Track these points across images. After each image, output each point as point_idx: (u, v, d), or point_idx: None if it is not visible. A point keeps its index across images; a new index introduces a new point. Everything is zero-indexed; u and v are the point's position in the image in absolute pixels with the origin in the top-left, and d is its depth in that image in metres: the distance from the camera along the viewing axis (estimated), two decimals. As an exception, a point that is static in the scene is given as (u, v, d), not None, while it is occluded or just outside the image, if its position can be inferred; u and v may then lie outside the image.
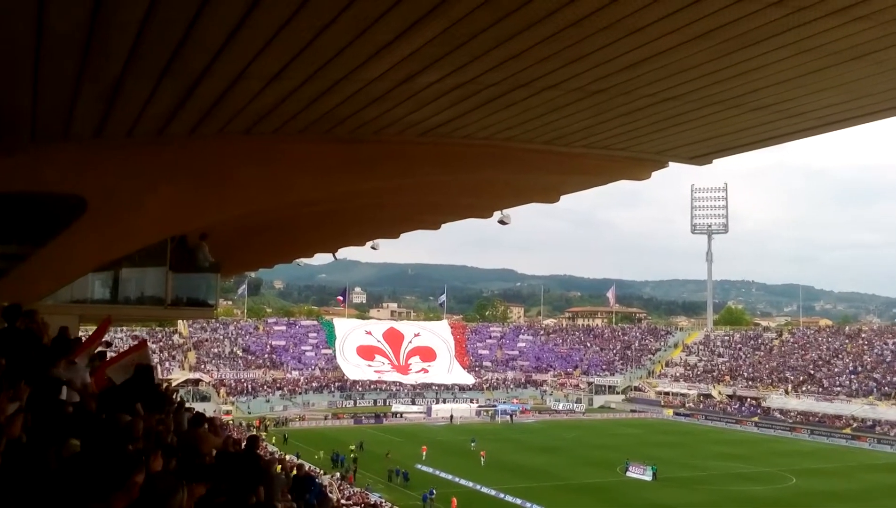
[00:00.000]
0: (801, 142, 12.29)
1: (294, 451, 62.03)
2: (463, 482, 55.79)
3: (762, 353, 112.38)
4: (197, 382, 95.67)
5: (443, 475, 58.01)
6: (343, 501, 42.83)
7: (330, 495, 41.01)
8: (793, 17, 6.81)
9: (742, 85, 8.74)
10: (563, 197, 16.60)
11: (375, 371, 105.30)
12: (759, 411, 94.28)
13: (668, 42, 7.36)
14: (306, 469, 21.60)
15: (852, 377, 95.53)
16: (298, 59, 7.82)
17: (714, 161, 12.98)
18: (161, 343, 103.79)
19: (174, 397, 18.43)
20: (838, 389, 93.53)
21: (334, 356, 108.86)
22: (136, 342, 11.76)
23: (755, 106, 9.61)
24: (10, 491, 4.04)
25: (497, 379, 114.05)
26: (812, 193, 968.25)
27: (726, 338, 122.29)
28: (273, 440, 68.98)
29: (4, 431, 5.00)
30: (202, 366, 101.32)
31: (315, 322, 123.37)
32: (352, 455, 61.86)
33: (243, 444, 13.07)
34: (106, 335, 12.49)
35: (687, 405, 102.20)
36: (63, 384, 7.84)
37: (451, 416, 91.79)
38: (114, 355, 12.52)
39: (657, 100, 9.36)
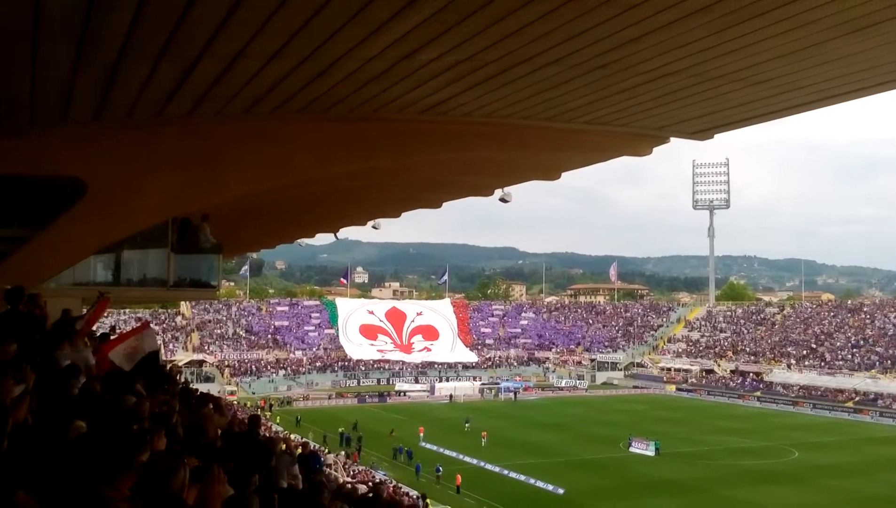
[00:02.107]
0: (802, 116, 12.28)
1: (307, 433, 62.14)
2: (467, 459, 56.08)
3: (764, 328, 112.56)
4: (201, 363, 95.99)
5: (447, 452, 58.28)
6: (349, 479, 43.12)
7: (335, 473, 41.27)
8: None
9: (742, 59, 8.70)
10: (564, 174, 16.59)
11: (378, 351, 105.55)
12: (761, 385, 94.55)
13: (668, 17, 7.31)
14: (311, 447, 21.72)
15: (854, 350, 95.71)
16: (296, 39, 7.78)
17: (715, 136, 12.96)
18: (164, 325, 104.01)
19: (178, 378, 18.46)
20: (840, 363, 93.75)
21: (337, 335, 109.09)
22: (138, 324, 11.70)
23: (756, 80, 9.57)
24: (19, 473, 4.07)
25: (500, 357, 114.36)
26: (813, 167, 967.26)
27: (728, 313, 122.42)
28: (277, 420, 69.27)
29: (10, 414, 5.03)
30: (206, 347, 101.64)
31: (317, 302, 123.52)
32: (343, 435, 62.12)
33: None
34: (109, 318, 12.49)
35: (689, 380, 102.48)
36: (77, 370, 7.87)
37: (451, 396, 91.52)
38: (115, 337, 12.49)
39: (657, 75, 9.32)
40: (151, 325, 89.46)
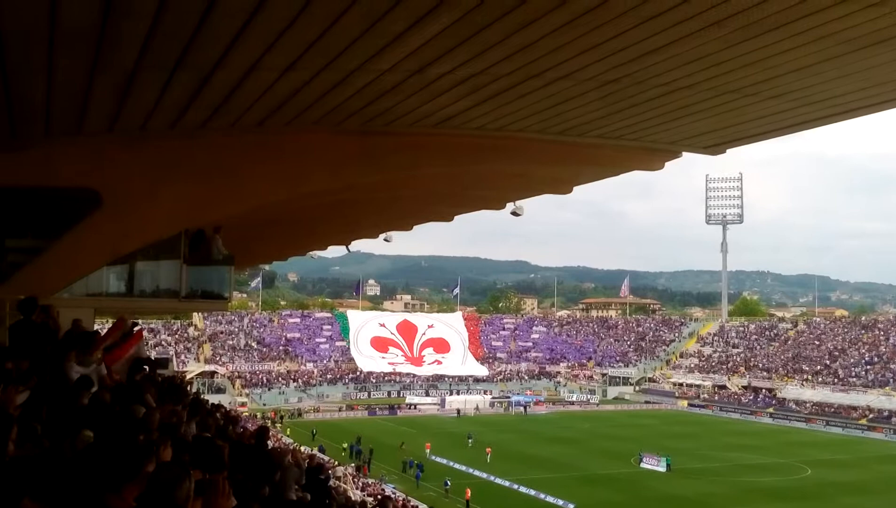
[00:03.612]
0: (816, 130, 12.21)
1: (330, 449, 61.97)
2: (476, 473, 55.88)
3: (777, 344, 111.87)
4: (212, 374, 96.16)
5: (456, 466, 58.09)
6: (357, 492, 43.01)
7: (344, 486, 41.19)
8: (809, 4, 6.74)
9: (757, 73, 8.66)
10: (576, 188, 16.58)
11: (389, 363, 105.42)
12: (774, 402, 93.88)
13: (683, 30, 7.29)
14: (318, 459, 21.68)
15: (868, 367, 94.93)
16: (311, 51, 7.81)
17: (728, 151, 12.90)
18: (177, 336, 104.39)
19: (188, 388, 18.51)
20: (854, 379, 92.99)
21: (348, 348, 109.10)
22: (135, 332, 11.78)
23: (770, 95, 9.53)
24: (25, 480, 4.07)
25: (511, 371, 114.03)
26: (827, 182, 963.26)
27: (741, 329, 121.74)
28: (288, 432, 69.26)
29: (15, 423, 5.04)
30: (217, 358, 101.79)
31: (329, 314, 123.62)
32: (352, 448, 62.02)
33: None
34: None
35: (701, 396, 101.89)
36: (89, 382, 7.89)
37: (459, 410, 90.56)
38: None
39: (670, 89, 9.29)
40: (163, 335, 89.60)
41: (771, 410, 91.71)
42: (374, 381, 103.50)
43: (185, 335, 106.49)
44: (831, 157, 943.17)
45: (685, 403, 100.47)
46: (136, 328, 12.92)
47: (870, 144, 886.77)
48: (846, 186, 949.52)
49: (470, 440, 67.63)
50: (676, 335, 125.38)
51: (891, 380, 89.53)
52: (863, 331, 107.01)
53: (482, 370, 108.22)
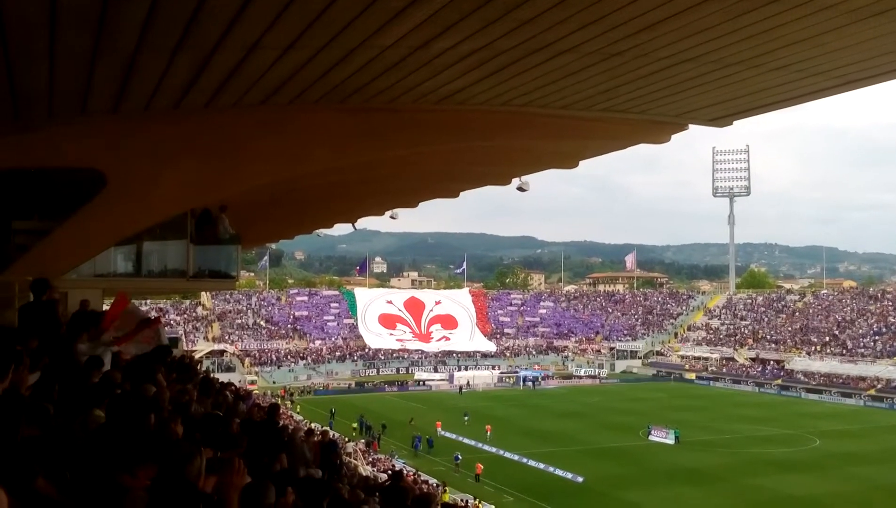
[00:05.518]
0: (821, 102, 12.17)
1: (342, 426, 62.22)
2: (486, 448, 56.22)
3: (785, 316, 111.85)
4: (222, 353, 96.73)
5: (466, 440, 58.44)
6: (368, 468, 43.34)
7: (354, 462, 41.50)
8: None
9: (761, 45, 8.61)
10: (582, 162, 16.52)
11: (397, 340, 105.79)
12: (782, 373, 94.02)
13: (683, 3, 7.25)
14: (330, 436, 21.84)
15: (876, 338, 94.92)
16: (312, 29, 7.78)
17: (735, 123, 12.84)
18: (185, 315, 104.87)
19: (198, 367, 18.63)
20: (862, 350, 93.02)
21: (356, 325, 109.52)
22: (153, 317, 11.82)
23: (775, 66, 9.47)
24: (40, 462, 4.12)
25: (518, 346, 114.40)
26: (834, 153, 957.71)
27: (749, 301, 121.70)
28: (298, 409, 69.74)
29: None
30: (226, 337, 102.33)
31: (337, 292, 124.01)
32: (362, 424, 62.30)
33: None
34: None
35: (709, 368, 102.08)
36: (99, 362, 7.95)
37: (461, 388, 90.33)
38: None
39: (674, 62, 9.24)
40: (172, 315, 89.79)
41: (779, 382, 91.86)
42: (382, 358, 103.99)
43: (194, 314, 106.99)
44: (838, 128, 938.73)
45: (693, 376, 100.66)
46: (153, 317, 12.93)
47: (876, 115, 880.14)
48: (853, 158, 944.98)
49: (466, 419, 67.18)
50: (684, 308, 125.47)
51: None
52: (871, 302, 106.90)
53: (490, 346, 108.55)
